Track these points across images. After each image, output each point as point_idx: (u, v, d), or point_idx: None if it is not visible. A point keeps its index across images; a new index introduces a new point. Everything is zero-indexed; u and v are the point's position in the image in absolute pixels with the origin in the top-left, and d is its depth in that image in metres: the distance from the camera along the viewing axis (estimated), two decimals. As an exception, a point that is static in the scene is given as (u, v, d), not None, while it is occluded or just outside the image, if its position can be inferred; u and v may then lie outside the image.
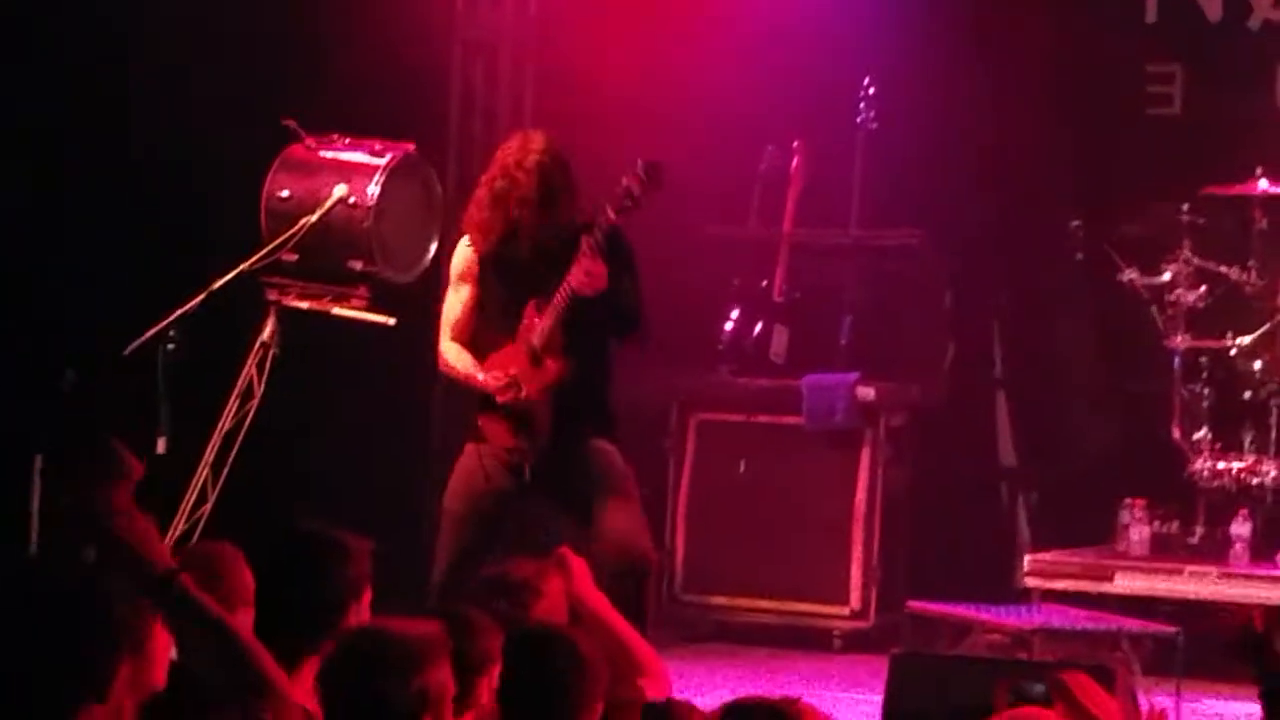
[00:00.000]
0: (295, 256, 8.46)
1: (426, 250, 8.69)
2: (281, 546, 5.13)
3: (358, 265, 8.53)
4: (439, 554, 7.80)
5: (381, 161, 8.60)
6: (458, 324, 7.90)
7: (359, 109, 9.29)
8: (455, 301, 7.92)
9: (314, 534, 5.06)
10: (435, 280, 9.46)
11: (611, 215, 7.68)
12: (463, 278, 7.90)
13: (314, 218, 8.42)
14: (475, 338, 7.91)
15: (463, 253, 7.91)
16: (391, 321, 8.61)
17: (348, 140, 8.73)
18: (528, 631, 4.90)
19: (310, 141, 8.65)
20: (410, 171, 8.69)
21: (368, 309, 8.60)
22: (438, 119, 10.68)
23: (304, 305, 8.58)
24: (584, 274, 7.61)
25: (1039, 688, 5.12)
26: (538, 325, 7.75)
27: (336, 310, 8.60)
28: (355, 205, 8.49)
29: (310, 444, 9.79)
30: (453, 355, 7.91)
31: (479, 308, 7.90)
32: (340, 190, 8.49)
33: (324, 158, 8.64)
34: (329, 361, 9.31)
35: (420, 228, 8.71)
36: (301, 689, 4.50)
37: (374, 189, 8.51)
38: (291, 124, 8.60)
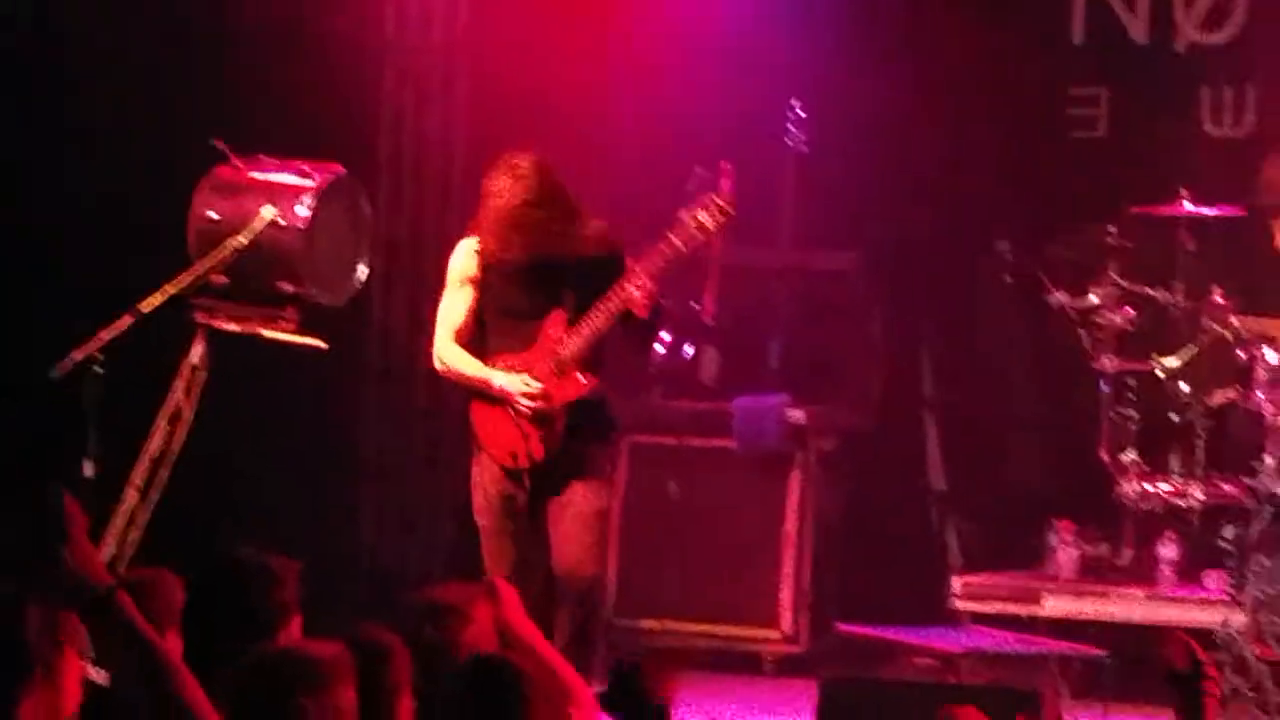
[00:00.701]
0: (224, 278, 8.40)
1: (356, 272, 8.65)
2: (209, 571, 5.09)
3: (287, 287, 8.47)
4: (491, 572, 7.78)
5: (311, 183, 8.54)
6: (459, 326, 7.98)
7: (288, 130, 9.25)
8: (458, 303, 8.00)
9: (242, 559, 5.03)
10: (365, 302, 9.45)
11: (679, 245, 7.76)
12: (466, 280, 7.98)
13: (243, 239, 8.36)
14: (473, 342, 7.96)
15: (467, 254, 7.99)
16: (322, 344, 8.57)
17: (276, 162, 8.67)
18: (480, 659, 4.86)
19: (238, 163, 8.59)
20: (340, 193, 8.64)
21: (297, 331, 8.55)
22: (368, 141, 10.65)
23: (233, 327, 8.52)
24: (641, 293, 7.69)
25: None
26: (569, 338, 7.80)
27: (266, 332, 8.54)
28: (284, 227, 8.43)
29: (240, 466, 9.74)
30: (457, 356, 7.98)
31: (478, 312, 7.93)
32: (269, 212, 8.43)
33: (252, 179, 8.58)
34: (258, 383, 9.26)
35: (350, 249, 8.66)
36: None
37: (303, 210, 8.45)
38: (220, 145, 8.55)
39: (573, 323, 7.85)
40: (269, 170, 8.64)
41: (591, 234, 7.93)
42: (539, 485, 7.89)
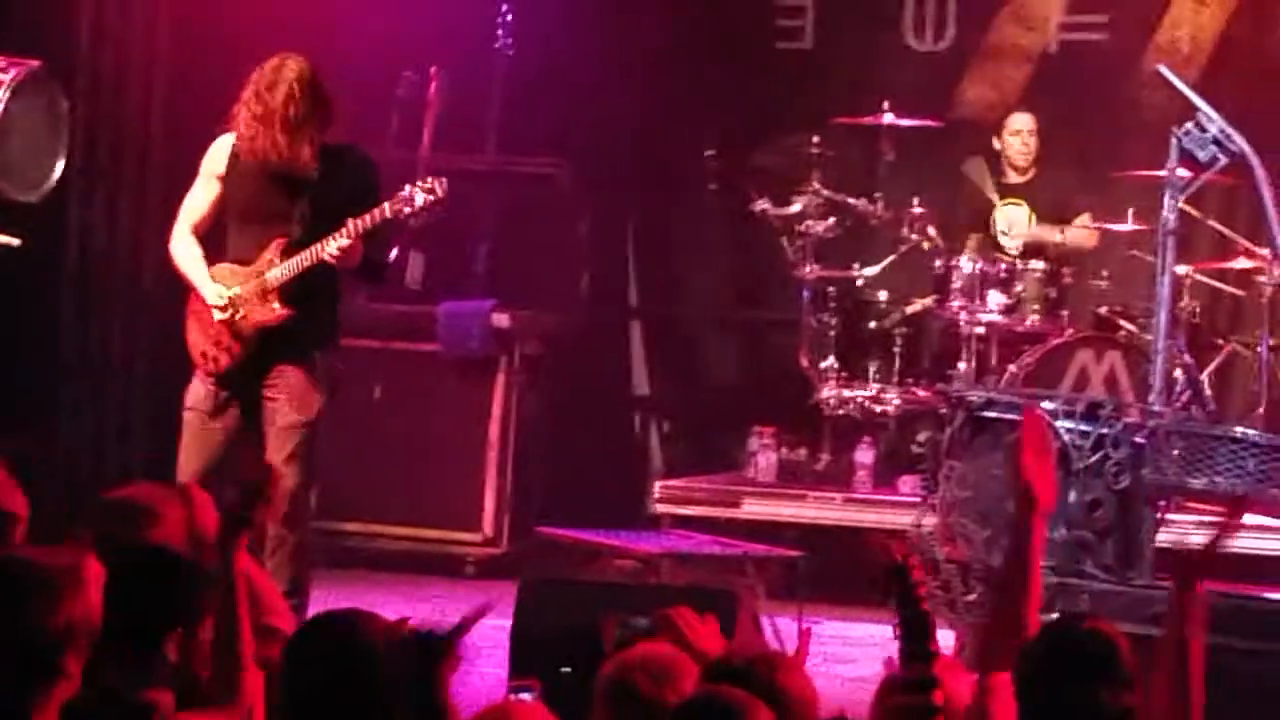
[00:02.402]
0: (-87, 174, 8.19)
1: (53, 169, 8.46)
2: None
3: (-19, 183, 8.28)
4: (180, 471, 7.71)
5: (6, 77, 8.34)
6: (199, 218, 7.87)
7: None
8: (202, 195, 7.89)
9: None
10: (63, 201, 9.24)
11: (388, 213, 7.71)
12: (213, 175, 7.86)
13: (-69, 133, 8.15)
14: (213, 233, 7.86)
15: (221, 149, 7.87)
16: (16, 242, 8.39)
17: (-31, 54, 8.45)
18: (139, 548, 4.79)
19: (-69, 55, 8.37)
20: (36, 88, 8.43)
21: (-8, 229, 8.37)
22: (67, 35, 10.39)
23: (-76, 224, 8.31)
24: (341, 251, 7.62)
25: (643, 622, 5.15)
26: (279, 264, 7.71)
27: (-41, 230, 8.35)
28: (-22, 121, 8.23)
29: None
30: (184, 252, 7.85)
31: (222, 207, 7.84)
32: (-39, 105, 8.22)
33: (-58, 72, 8.36)
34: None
35: (46, 145, 8.47)
36: None
37: (-3, 104, 8.26)
38: (-88, 38, 8.32)
39: (293, 246, 7.76)
40: (-37, 63, 8.42)
41: (343, 150, 7.84)
42: (237, 395, 7.81)
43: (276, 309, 7.76)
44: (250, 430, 7.87)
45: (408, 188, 7.82)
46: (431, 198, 7.86)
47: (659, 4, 11.49)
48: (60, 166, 8.45)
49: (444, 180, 7.95)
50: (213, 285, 7.80)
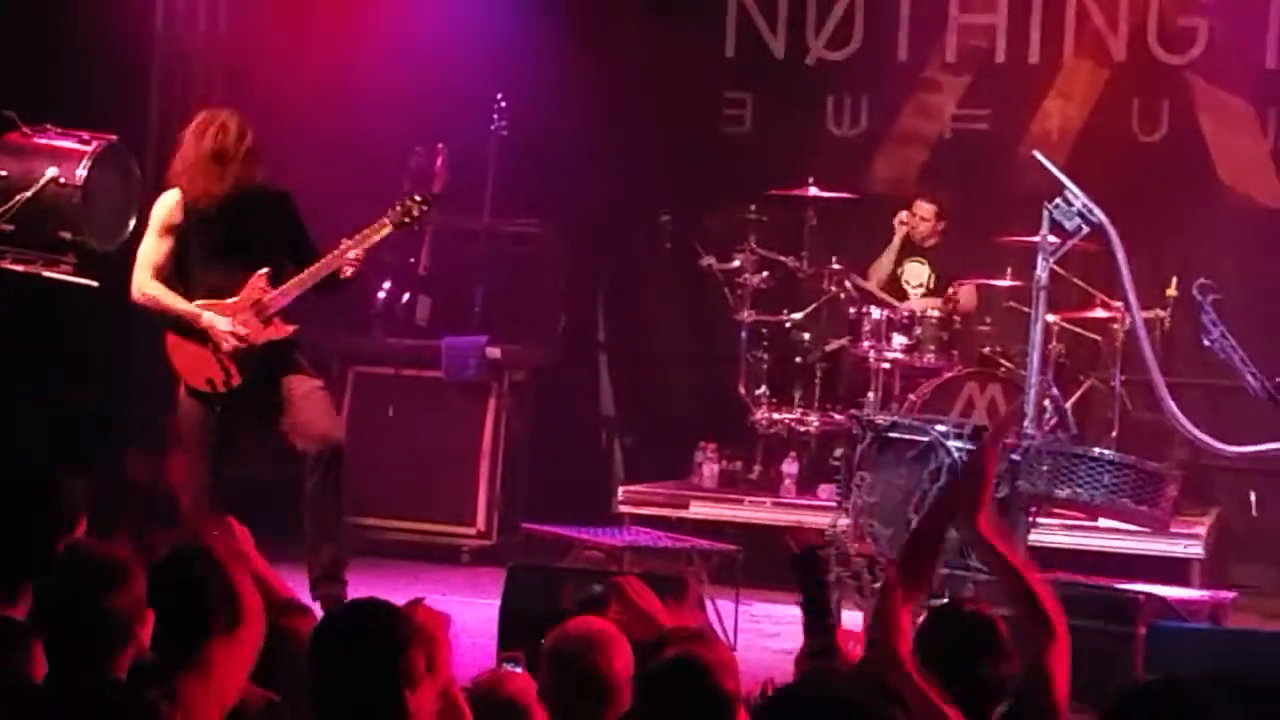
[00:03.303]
0: (11, 227, 8.17)
1: (127, 224, 8.45)
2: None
3: (66, 235, 8.26)
4: (188, 483, 7.52)
5: (89, 148, 8.33)
6: (159, 267, 7.74)
7: (71, 104, 8.99)
8: (158, 246, 7.76)
9: (25, 481, 4.77)
10: (134, 250, 9.23)
11: (390, 225, 7.65)
12: (167, 227, 7.74)
13: (29, 194, 8.13)
14: (178, 280, 7.73)
15: (169, 203, 7.76)
16: (95, 284, 8.38)
17: (59, 130, 8.45)
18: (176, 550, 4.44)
19: (26, 129, 8.35)
20: (113, 157, 8.43)
21: (74, 273, 8.34)
22: (140, 115, 10.40)
23: (19, 268, 8.28)
24: (351, 261, 7.57)
25: (598, 588, 5.13)
26: (272, 294, 7.60)
27: (47, 273, 8.32)
28: (65, 184, 8.21)
29: (23, 387, 9.46)
30: (160, 292, 7.74)
31: (182, 255, 7.71)
32: (52, 171, 8.20)
33: (38, 143, 8.34)
34: (40, 316, 9.00)
35: (121, 205, 8.46)
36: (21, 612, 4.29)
37: (82, 171, 8.23)
38: (10, 114, 8.31)
39: (276, 280, 7.64)
40: (53, 137, 8.41)
41: (265, 189, 7.71)
42: (237, 408, 7.69)
43: (286, 327, 7.68)
44: (251, 431, 7.73)
45: (399, 205, 7.74)
46: (426, 207, 7.80)
47: (625, 96, 11.50)
48: (133, 222, 8.44)
49: (430, 194, 7.93)
50: (221, 318, 7.68)
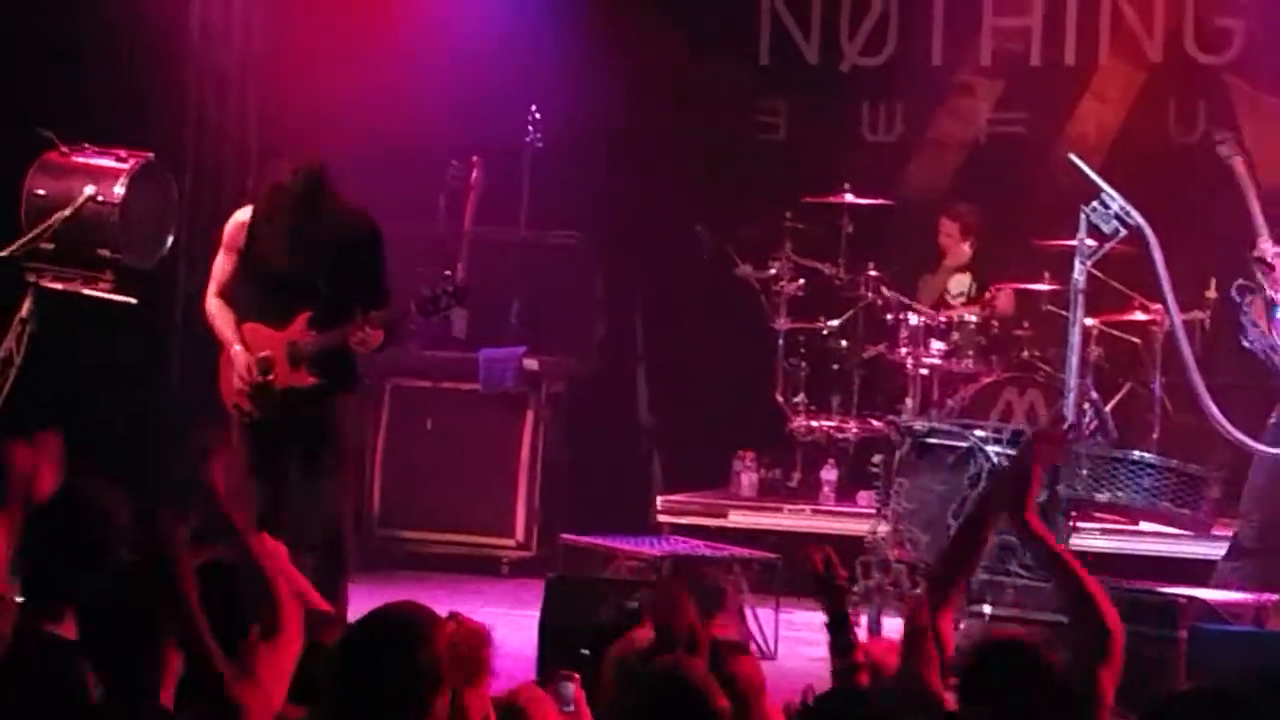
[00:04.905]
0: (51, 245, 8.23)
1: (164, 242, 8.51)
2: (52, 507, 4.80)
3: (105, 253, 8.32)
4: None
5: (126, 166, 8.39)
6: (222, 284, 7.74)
7: (108, 122, 9.05)
8: (221, 263, 7.76)
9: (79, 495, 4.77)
10: (172, 267, 9.28)
11: (413, 310, 7.60)
12: (230, 245, 7.74)
13: (67, 212, 8.19)
14: (239, 298, 7.72)
15: (236, 221, 7.74)
16: (133, 301, 8.43)
17: (96, 148, 8.50)
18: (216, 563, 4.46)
19: (64, 149, 8.41)
20: (150, 176, 8.49)
21: (113, 290, 8.39)
22: (176, 133, 10.44)
23: (58, 286, 8.34)
24: (359, 344, 7.46)
25: (632, 604, 5.14)
26: (307, 339, 7.54)
27: (86, 290, 8.38)
28: (103, 202, 8.28)
29: (62, 404, 9.50)
30: (218, 312, 7.73)
31: (242, 275, 7.71)
32: (90, 190, 8.26)
33: (76, 162, 8.41)
34: (78, 333, 9.05)
35: (159, 223, 8.52)
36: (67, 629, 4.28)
37: (119, 189, 8.30)
38: (49, 134, 8.37)
39: (318, 319, 7.56)
40: (90, 155, 8.47)
41: (351, 215, 7.65)
42: (267, 442, 7.63)
43: (308, 376, 7.58)
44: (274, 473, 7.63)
45: (430, 290, 7.67)
46: (454, 300, 7.73)
47: (659, 105, 11.51)
48: (170, 239, 8.50)
49: (459, 273, 7.84)
50: (246, 355, 7.58)
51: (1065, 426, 7.68)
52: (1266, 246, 8.30)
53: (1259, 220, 8.26)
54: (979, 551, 4.61)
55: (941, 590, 4.34)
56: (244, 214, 7.75)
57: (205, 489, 4.44)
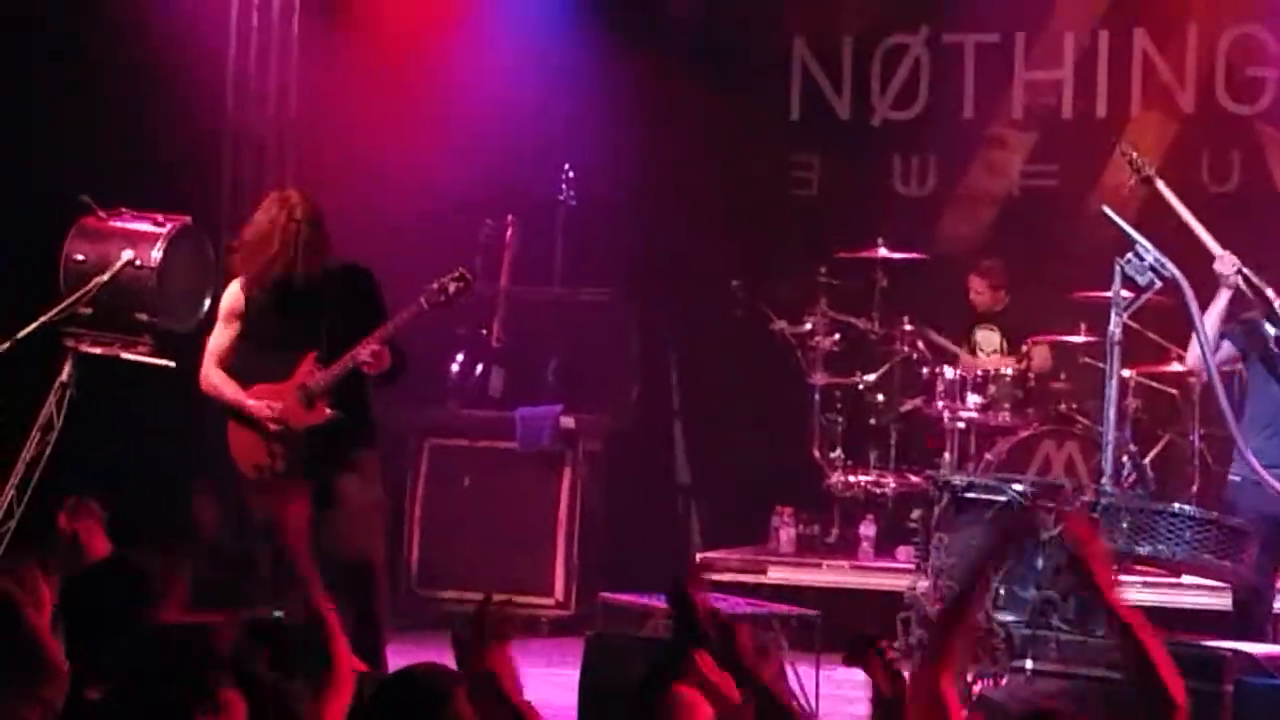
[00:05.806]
0: (89, 310, 8.27)
1: (202, 305, 8.52)
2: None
3: (143, 317, 8.35)
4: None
5: (163, 230, 8.43)
6: (222, 355, 7.65)
7: (145, 187, 9.10)
8: (223, 335, 7.66)
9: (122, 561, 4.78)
10: (209, 330, 9.28)
11: (424, 306, 7.57)
12: (231, 316, 7.66)
13: (105, 277, 8.24)
14: (239, 367, 7.69)
15: (233, 293, 7.69)
16: (172, 364, 8.44)
17: (134, 213, 8.54)
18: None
19: (102, 213, 8.45)
20: (187, 239, 8.53)
21: (151, 354, 8.42)
22: (212, 197, 10.49)
23: (97, 351, 8.37)
24: (371, 356, 7.42)
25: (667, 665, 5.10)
26: (317, 376, 7.51)
27: (124, 355, 8.41)
28: (141, 267, 8.32)
29: (100, 468, 9.52)
30: (220, 380, 7.64)
31: (243, 342, 7.66)
32: (128, 254, 8.31)
33: (114, 227, 8.45)
34: (117, 398, 9.07)
35: (196, 286, 8.55)
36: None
37: (157, 253, 8.34)
38: (86, 199, 8.41)
39: (324, 359, 7.51)
40: (128, 220, 8.52)
41: (342, 267, 7.56)
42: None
43: (327, 411, 7.52)
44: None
45: (437, 281, 7.62)
46: (462, 284, 7.66)
47: (692, 162, 11.54)
48: (208, 302, 8.50)
49: (471, 268, 7.78)
50: (258, 402, 7.54)
51: (1078, 501, 7.58)
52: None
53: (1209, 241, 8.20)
54: (976, 604, 4.57)
55: (937, 644, 4.29)
56: (237, 283, 7.64)
57: (278, 544, 4.50)
